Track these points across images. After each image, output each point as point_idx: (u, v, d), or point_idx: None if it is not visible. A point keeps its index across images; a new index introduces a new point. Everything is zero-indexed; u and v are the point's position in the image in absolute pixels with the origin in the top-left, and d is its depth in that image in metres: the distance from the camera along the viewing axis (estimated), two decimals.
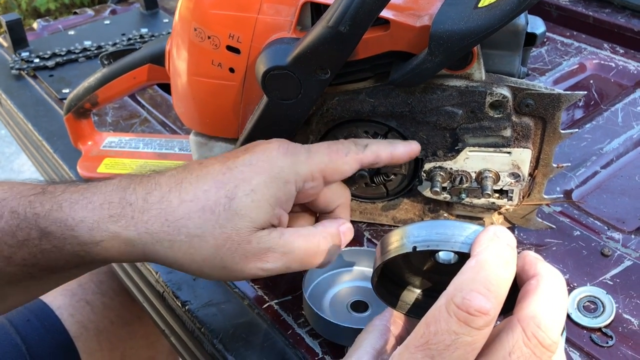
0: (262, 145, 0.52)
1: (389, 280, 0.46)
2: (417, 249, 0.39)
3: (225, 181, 0.48)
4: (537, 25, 0.56)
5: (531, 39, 0.55)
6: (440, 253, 0.42)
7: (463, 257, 0.41)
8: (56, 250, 0.48)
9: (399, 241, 0.40)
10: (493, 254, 0.36)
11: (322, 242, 0.51)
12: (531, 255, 0.39)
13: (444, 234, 0.39)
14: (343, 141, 0.54)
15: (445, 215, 0.62)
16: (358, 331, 0.51)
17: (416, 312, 0.46)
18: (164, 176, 0.50)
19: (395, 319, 0.45)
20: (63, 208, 0.48)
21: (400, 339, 0.45)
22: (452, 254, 0.41)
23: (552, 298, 0.36)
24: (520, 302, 0.36)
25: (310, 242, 0.50)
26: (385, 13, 0.50)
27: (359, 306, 0.56)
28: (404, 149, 0.55)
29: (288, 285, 0.59)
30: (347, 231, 0.53)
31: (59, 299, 0.81)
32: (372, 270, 0.56)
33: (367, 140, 0.55)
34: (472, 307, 0.33)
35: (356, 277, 0.58)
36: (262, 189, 0.48)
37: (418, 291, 0.47)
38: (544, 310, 0.35)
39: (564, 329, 0.52)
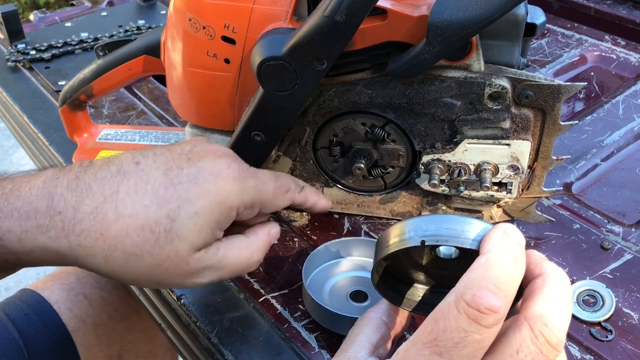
0: (210, 158, 0.50)
1: (390, 275, 0.46)
2: (426, 243, 0.39)
3: (167, 198, 0.47)
4: (537, 15, 0.55)
5: (531, 30, 0.54)
6: (442, 248, 0.41)
7: (464, 253, 0.40)
8: None
9: (403, 234, 0.40)
10: (503, 252, 0.36)
11: (255, 253, 0.52)
12: (536, 254, 0.39)
13: (454, 229, 0.38)
14: (287, 177, 0.57)
15: (443, 208, 0.62)
16: None
17: (420, 308, 0.46)
18: (96, 178, 0.47)
19: (389, 312, 0.45)
20: None
21: (394, 332, 0.45)
22: (454, 249, 0.41)
23: (559, 297, 0.36)
24: (527, 301, 0.36)
25: (244, 255, 0.51)
26: (382, 2, 0.50)
27: (358, 296, 0.55)
28: (322, 205, 0.61)
29: (285, 279, 0.58)
30: (275, 233, 0.55)
31: (57, 293, 0.80)
32: (371, 261, 0.56)
33: (303, 183, 0.59)
34: (483, 305, 0.33)
35: (355, 267, 0.58)
36: (206, 213, 0.48)
37: (419, 287, 0.46)
38: (551, 309, 0.35)
39: None
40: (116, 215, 0.46)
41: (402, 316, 0.46)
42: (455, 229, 0.38)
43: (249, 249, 0.51)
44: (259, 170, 0.53)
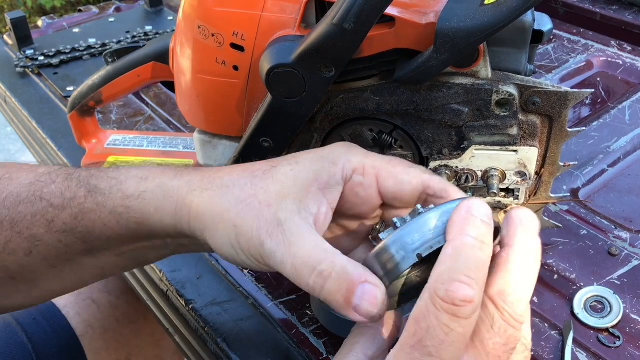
0: None
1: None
2: (423, 255, 0.38)
3: (273, 160, 0.48)
4: (544, 22, 0.55)
5: (538, 37, 0.54)
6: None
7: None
8: (97, 208, 0.47)
9: (395, 256, 0.38)
10: (468, 237, 0.35)
11: (327, 267, 0.39)
12: (514, 222, 0.38)
13: (437, 227, 0.38)
14: (411, 162, 0.49)
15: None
16: None
17: (407, 294, 0.44)
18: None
19: (385, 320, 0.43)
20: (120, 170, 0.49)
21: (392, 341, 0.43)
22: None
23: (519, 272, 0.37)
24: (489, 277, 0.36)
25: (317, 256, 0.40)
26: (390, 10, 0.50)
27: None
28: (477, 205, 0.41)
29: (292, 285, 0.58)
30: (368, 293, 0.39)
31: (65, 298, 0.81)
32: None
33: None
34: (457, 298, 0.34)
35: None
36: (306, 163, 0.45)
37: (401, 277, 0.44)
38: (511, 286, 0.36)
39: (571, 329, 0.52)
40: (230, 169, 0.47)
41: (400, 322, 0.44)
42: (438, 226, 0.38)
43: (328, 256, 0.40)
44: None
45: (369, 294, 0.39)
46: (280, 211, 0.42)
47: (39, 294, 0.53)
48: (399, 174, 0.46)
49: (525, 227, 0.38)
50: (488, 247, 0.36)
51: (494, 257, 0.37)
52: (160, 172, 0.48)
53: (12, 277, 0.51)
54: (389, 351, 0.40)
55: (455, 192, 0.46)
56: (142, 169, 0.49)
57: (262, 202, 0.43)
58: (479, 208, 0.37)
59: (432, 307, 0.34)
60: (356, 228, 0.49)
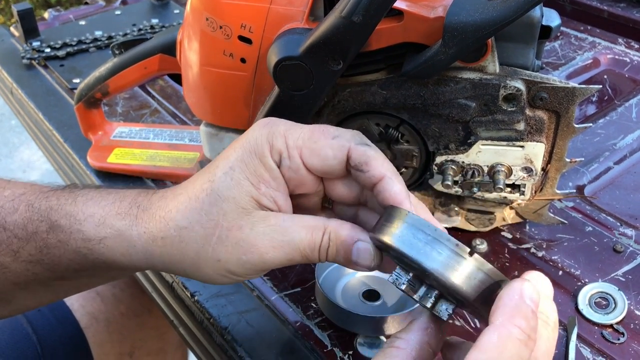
0: None
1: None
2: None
3: (211, 165, 0.45)
4: (552, 17, 0.55)
5: (546, 32, 0.54)
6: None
7: None
8: (60, 245, 0.47)
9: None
10: (517, 329, 0.33)
11: (325, 239, 0.43)
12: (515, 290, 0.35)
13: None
14: (341, 128, 0.45)
15: (454, 208, 0.62)
16: (371, 319, 0.51)
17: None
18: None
19: (425, 343, 0.39)
20: (77, 202, 0.47)
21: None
22: None
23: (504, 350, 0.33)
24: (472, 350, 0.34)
25: (315, 235, 0.43)
26: (399, 4, 0.50)
27: (371, 295, 0.56)
28: (398, 188, 0.42)
29: (297, 277, 0.59)
30: (363, 251, 0.43)
31: None
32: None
33: (372, 144, 0.45)
34: None
35: None
36: (240, 165, 0.43)
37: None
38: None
39: (575, 325, 0.52)
40: (173, 196, 0.45)
41: (450, 351, 0.41)
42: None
43: (319, 232, 0.43)
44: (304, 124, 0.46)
45: (363, 251, 0.43)
46: (252, 225, 0.42)
47: (14, 308, 0.53)
48: (322, 150, 0.43)
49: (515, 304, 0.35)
50: (533, 342, 0.34)
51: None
52: (114, 214, 0.45)
53: None
54: None
55: (378, 165, 0.42)
56: (98, 204, 0.47)
57: (230, 228, 0.42)
58: (531, 293, 0.35)
59: None
60: (309, 205, 0.48)
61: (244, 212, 0.43)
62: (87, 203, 0.47)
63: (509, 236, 0.62)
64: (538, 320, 0.35)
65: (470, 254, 0.37)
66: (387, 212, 0.41)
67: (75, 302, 0.80)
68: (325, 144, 0.43)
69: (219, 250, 0.43)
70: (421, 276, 0.39)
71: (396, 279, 0.40)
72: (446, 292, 0.38)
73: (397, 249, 0.38)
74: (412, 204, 0.43)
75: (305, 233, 0.42)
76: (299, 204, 0.47)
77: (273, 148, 0.43)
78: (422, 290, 0.39)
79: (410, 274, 0.40)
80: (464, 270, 0.36)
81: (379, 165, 0.42)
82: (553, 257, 0.59)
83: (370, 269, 0.43)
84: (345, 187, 0.46)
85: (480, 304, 0.37)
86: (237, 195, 0.43)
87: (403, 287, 0.40)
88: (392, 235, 0.39)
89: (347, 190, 0.46)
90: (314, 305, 0.56)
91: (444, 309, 0.39)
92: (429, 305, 0.39)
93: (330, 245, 0.43)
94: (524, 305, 0.34)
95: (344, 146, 0.43)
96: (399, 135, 0.58)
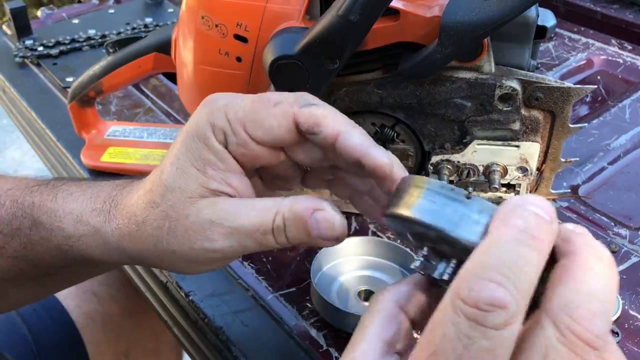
0: None
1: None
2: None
3: (165, 155, 0.43)
4: (547, 18, 0.55)
5: (541, 32, 0.55)
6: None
7: None
8: (43, 242, 0.46)
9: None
10: (510, 229, 0.28)
11: (278, 219, 0.39)
12: (565, 228, 0.30)
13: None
14: (283, 93, 0.41)
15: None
16: None
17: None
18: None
19: (414, 292, 0.35)
20: (57, 199, 0.47)
21: (419, 319, 0.35)
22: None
23: (590, 280, 0.28)
24: (549, 290, 0.28)
25: (265, 217, 0.39)
26: (395, 3, 0.50)
27: (366, 295, 0.56)
28: (358, 140, 0.38)
29: (293, 277, 0.59)
30: (322, 221, 0.39)
31: (65, 290, 0.80)
32: (379, 260, 0.56)
33: (316, 100, 0.41)
34: (481, 300, 0.26)
35: (363, 266, 0.58)
36: (184, 152, 0.41)
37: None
38: (579, 297, 0.27)
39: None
40: (136, 190, 0.44)
41: (433, 299, 0.35)
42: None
43: (270, 212, 0.39)
44: (248, 95, 0.42)
45: (322, 221, 0.38)
46: (198, 213, 0.40)
47: (6, 305, 0.53)
48: (265, 120, 0.39)
49: (584, 234, 0.31)
50: (541, 244, 0.28)
51: (552, 271, 0.29)
52: (90, 210, 0.45)
53: None
54: (412, 333, 0.35)
55: (329, 122, 0.39)
56: (76, 200, 0.46)
57: (178, 218, 0.41)
58: (533, 200, 0.29)
59: (451, 312, 0.27)
60: (285, 174, 0.45)
61: (191, 201, 0.40)
62: (67, 199, 0.47)
63: None
64: (584, 248, 0.29)
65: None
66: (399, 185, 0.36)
67: (71, 302, 0.79)
68: (268, 113, 0.39)
69: (172, 242, 0.41)
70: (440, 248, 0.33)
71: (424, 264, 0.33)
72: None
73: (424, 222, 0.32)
74: (389, 156, 0.38)
75: (255, 216, 0.39)
76: (273, 175, 0.45)
77: (215, 127, 0.40)
78: (442, 266, 0.33)
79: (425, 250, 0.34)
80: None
81: (330, 123, 0.38)
82: None
83: (338, 241, 0.39)
84: (306, 152, 0.41)
85: None
86: (182, 184, 0.40)
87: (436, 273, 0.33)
88: (412, 207, 0.33)
89: (310, 155, 0.41)
90: (309, 305, 0.56)
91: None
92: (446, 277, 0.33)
93: (287, 225, 0.39)
94: (520, 208, 0.29)
95: (288, 112, 0.39)
96: (395, 134, 0.58)
